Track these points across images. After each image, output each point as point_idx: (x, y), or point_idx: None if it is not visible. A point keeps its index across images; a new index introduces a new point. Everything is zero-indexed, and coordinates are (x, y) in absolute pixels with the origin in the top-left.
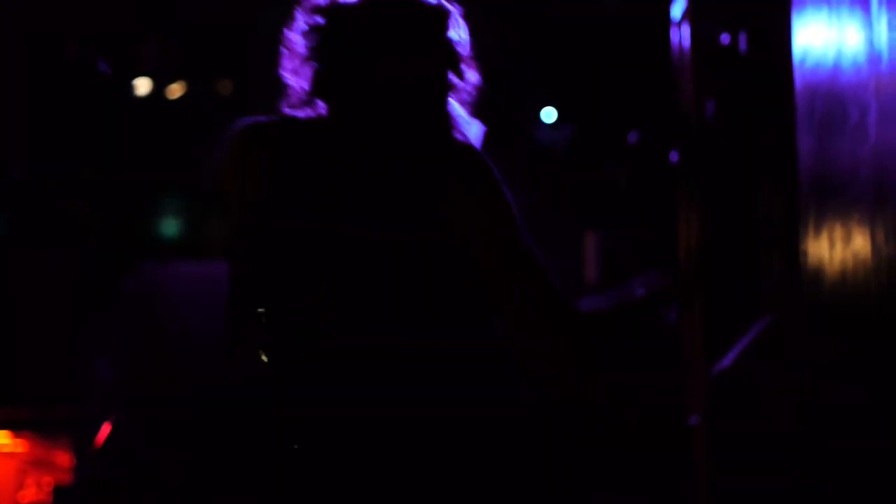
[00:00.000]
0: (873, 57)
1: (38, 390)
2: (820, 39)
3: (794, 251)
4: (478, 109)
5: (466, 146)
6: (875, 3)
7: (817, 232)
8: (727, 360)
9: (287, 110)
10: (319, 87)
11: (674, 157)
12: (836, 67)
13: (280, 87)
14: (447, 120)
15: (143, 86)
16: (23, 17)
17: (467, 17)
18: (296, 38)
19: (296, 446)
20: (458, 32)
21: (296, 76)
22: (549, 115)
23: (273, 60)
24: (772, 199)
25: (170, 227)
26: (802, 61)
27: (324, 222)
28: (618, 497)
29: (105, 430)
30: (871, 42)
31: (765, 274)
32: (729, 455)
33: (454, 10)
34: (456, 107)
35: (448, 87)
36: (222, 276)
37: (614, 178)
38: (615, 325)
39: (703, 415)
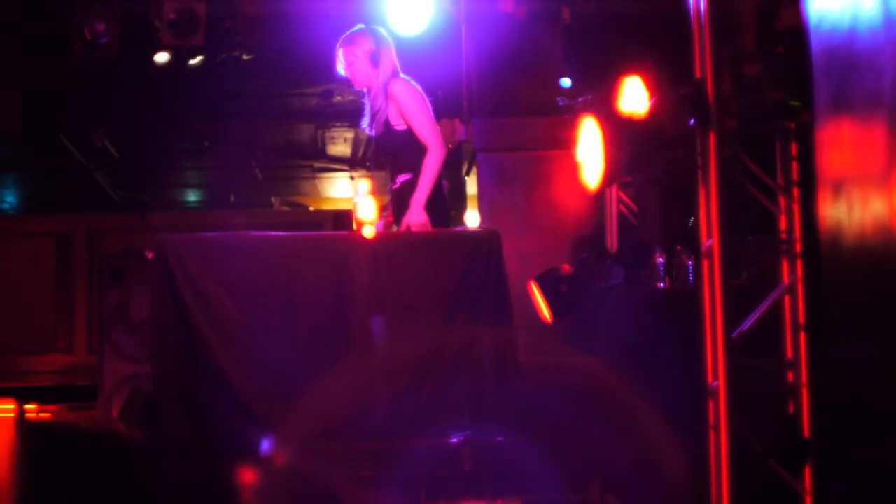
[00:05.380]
0: (890, 21)
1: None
2: (836, 4)
3: (812, 215)
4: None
5: None
6: None
7: (835, 196)
8: (746, 325)
9: None
10: None
11: (691, 122)
12: (852, 32)
13: None
14: None
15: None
16: None
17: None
18: None
19: None
20: None
21: None
22: (566, 83)
23: None
24: (789, 165)
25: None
26: (818, 26)
27: None
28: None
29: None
30: (886, 7)
31: (783, 238)
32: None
33: None
34: None
35: None
36: (239, 246)
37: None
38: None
39: (723, 378)
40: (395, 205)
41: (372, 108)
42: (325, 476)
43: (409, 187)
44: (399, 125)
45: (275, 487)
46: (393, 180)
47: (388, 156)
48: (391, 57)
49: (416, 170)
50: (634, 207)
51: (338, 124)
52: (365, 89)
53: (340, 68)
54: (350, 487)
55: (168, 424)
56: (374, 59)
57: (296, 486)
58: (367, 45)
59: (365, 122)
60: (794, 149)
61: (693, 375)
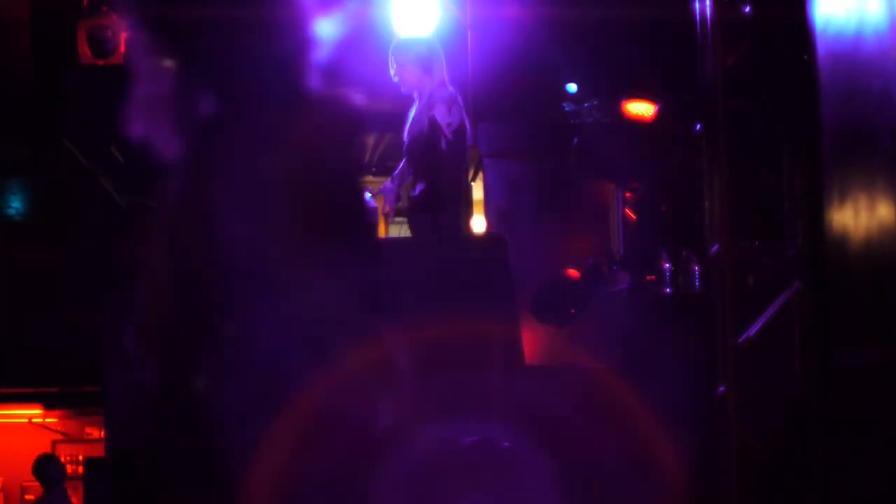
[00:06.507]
0: None
1: (68, 365)
2: (841, 8)
3: (818, 220)
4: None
5: None
6: None
7: (842, 201)
8: (753, 330)
9: None
10: None
11: (697, 127)
12: (858, 36)
13: None
14: None
15: None
16: None
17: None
18: None
19: None
20: None
21: None
22: (572, 88)
23: None
24: (796, 169)
25: None
26: (824, 30)
27: None
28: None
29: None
30: (893, 11)
31: (789, 243)
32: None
33: None
34: None
35: None
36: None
37: (635, 149)
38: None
39: (730, 382)
40: (412, 210)
41: (415, 112)
42: (327, 473)
43: (426, 196)
44: (430, 134)
45: (275, 485)
46: (413, 187)
47: (413, 160)
48: (442, 66)
49: (432, 180)
50: (639, 212)
51: None
52: (415, 94)
53: (391, 71)
54: (353, 485)
55: (170, 425)
56: (426, 67)
57: (298, 484)
58: (418, 51)
59: (406, 127)
60: (800, 152)
61: (699, 380)
